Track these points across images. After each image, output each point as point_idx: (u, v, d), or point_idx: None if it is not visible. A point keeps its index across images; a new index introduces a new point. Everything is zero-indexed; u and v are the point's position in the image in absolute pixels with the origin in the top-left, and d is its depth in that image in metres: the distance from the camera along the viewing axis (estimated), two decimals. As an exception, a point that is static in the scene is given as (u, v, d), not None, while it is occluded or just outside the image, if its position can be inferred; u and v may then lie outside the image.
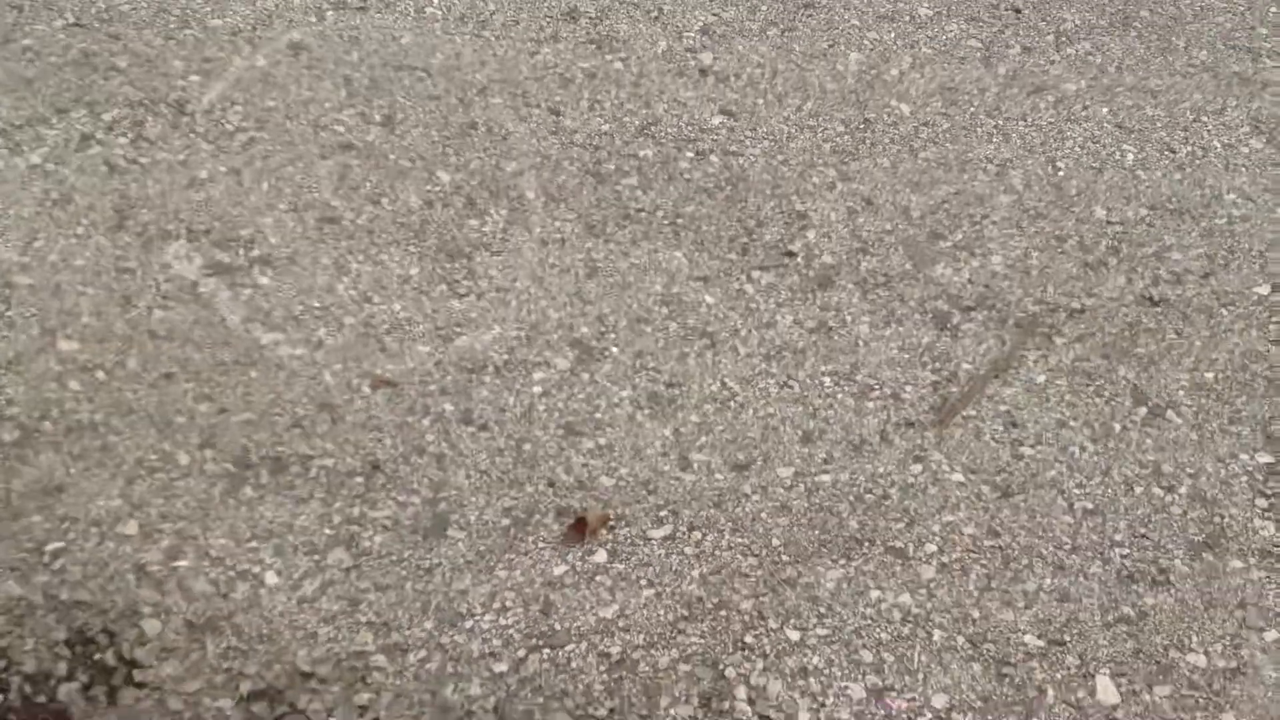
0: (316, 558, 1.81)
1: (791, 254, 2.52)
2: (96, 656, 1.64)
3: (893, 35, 3.17)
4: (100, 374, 2.08)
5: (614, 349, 2.25)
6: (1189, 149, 2.87)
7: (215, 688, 1.62)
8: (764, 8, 3.23)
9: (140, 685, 1.61)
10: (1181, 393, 2.26)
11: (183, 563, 1.77)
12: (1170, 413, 2.22)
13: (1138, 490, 2.06)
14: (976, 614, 1.82)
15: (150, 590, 1.73)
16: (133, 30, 2.90)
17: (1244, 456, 2.15)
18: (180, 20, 2.94)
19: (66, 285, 2.25)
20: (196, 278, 2.31)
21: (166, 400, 2.04)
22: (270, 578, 1.77)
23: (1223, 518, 2.02)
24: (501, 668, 1.68)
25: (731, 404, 2.16)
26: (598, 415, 2.11)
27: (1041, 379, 2.27)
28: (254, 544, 1.82)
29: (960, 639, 1.78)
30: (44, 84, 2.73)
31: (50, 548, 1.78)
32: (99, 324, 2.18)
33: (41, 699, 1.59)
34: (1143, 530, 1.98)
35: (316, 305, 2.27)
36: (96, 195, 2.49)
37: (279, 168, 2.60)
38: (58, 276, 2.27)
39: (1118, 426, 2.18)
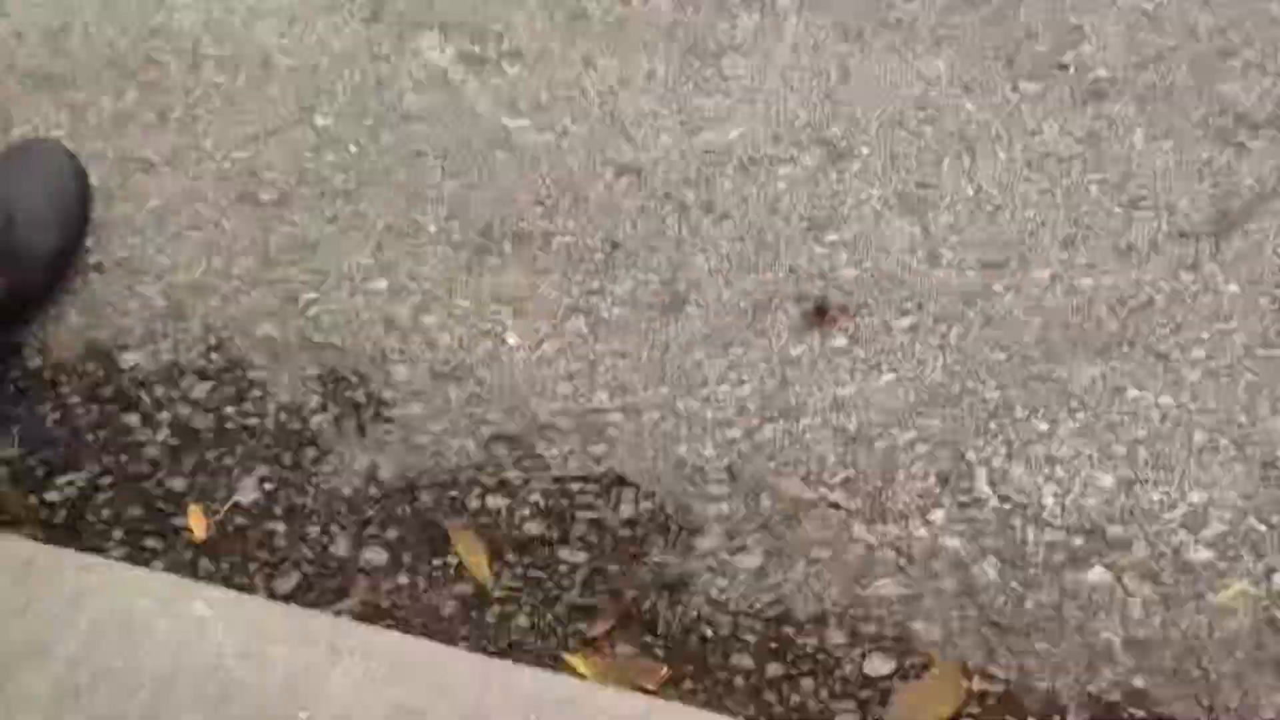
0: (555, 323, 1.91)
1: (1063, 66, 2.48)
2: (347, 393, 1.78)
3: None
4: (353, 147, 2.21)
5: (864, 149, 2.27)
6: None
7: (459, 430, 1.74)
8: None
9: (388, 420, 1.75)
10: None
11: (429, 318, 1.90)
12: None
13: None
14: (1244, 419, 1.80)
15: (398, 340, 1.86)
16: None
17: None
18: None
19: (323, 68, 2.39)
20: (447, 66, 2.42)
21: (415, 175, 2.16)
22: (511, 338, 1.88)
23: None
24: (735, 434, 1.76)
25: (987, 206, 2.16)
26: (843, 211, 2.14)
27: (1335, 199, 2.19)
28: (496, 307, 1.93)
29: (1224, 441, 1.77)
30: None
31: (305, 297, 1.93)
32: (354, 103, 2.31)
33: (295, 426, 1.74)
34: None
35: (563, 95, 2.36)
36: (352, -12, 2.62)
37: (530, -34, 2.69)
38: (315, 59, 2.41)
39: None
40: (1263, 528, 1.65)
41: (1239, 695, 1.48)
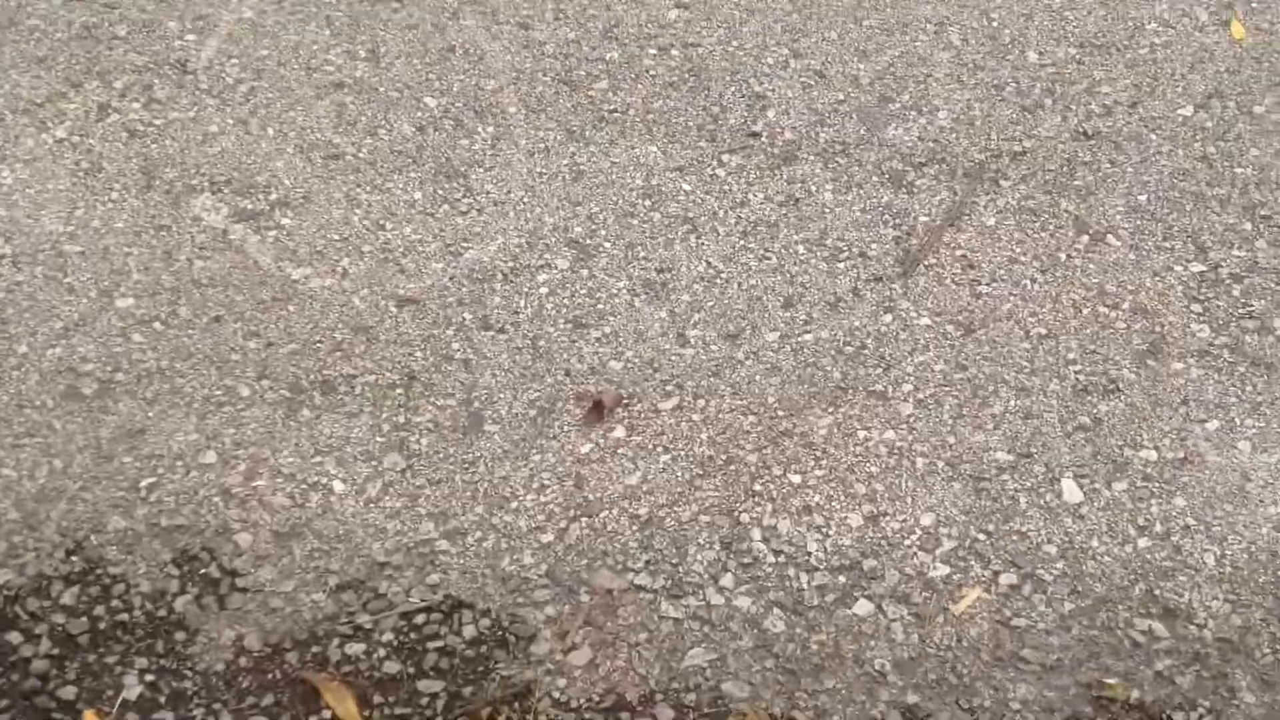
0: (374, 464, 1.97)
1: (756, 134, 2.63)
2: (202, 571, 1.81)
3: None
4: (158, 325, 2.22)
5: (606, 244, 2.38)
6: (1109, -12, 2.96)
7: (308, 584, 1.79)
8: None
9: (244, 590, 1.78)
10: (1119, 217, 2.40)
11: (260, 482, 1.93)
12: (1110, 237, 2.36)
13: (1085, 311, 2.20)
14: (953, 440, 1.98)
15: (237, 509, 1.90)
16: (126, -1, 2.97)
17: (1178, 268, 2.29)
18: (168, -16, 3.01)
19: (113, 248, 2.38)
20: (225, 226, 2.43)
21: (220, 341, 2.18)
22: (337, 485, 1.93)
23: (1163, 326, 2.17)
24: (548, 538, 1.85)
25: (718, 281, 2.30)
26: (600, 306, 2.25)
27: (992, 221, 2.40)
28: (318, 458, 1.97)
29: (940, 463, 1.95)
30: (55, 60, 2.82)
31: (144, 483, 1.94)
32: (148, 279, 2.31)
33: (162, 614, 1.76)
34: (1092, 346, 2.13)
35: (336, 238, 2.40)
36: (122, 160, 2.60)
37: (281, 113, 2.71)
38: (103, 240, 2.39)
39: (1063, 256, 2.32)
40: (983, 536, 1.83)
41: (990, 692, 1.66)
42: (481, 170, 2.55)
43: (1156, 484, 1.91)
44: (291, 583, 1.79)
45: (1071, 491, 1.89)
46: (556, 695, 1.65)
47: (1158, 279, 2.27)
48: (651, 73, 2.78)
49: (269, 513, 1.89)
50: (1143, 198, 2.44)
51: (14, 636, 1.73)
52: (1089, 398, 2.05)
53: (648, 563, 1.81)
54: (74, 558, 1.83)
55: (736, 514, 1.88)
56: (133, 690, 1.66)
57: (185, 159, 2.59)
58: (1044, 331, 2.17)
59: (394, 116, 2.68)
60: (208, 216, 2.46)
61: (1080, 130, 2.61)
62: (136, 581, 1.80)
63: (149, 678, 1.67)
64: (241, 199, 2.49)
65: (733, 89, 2.74)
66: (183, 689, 1.66)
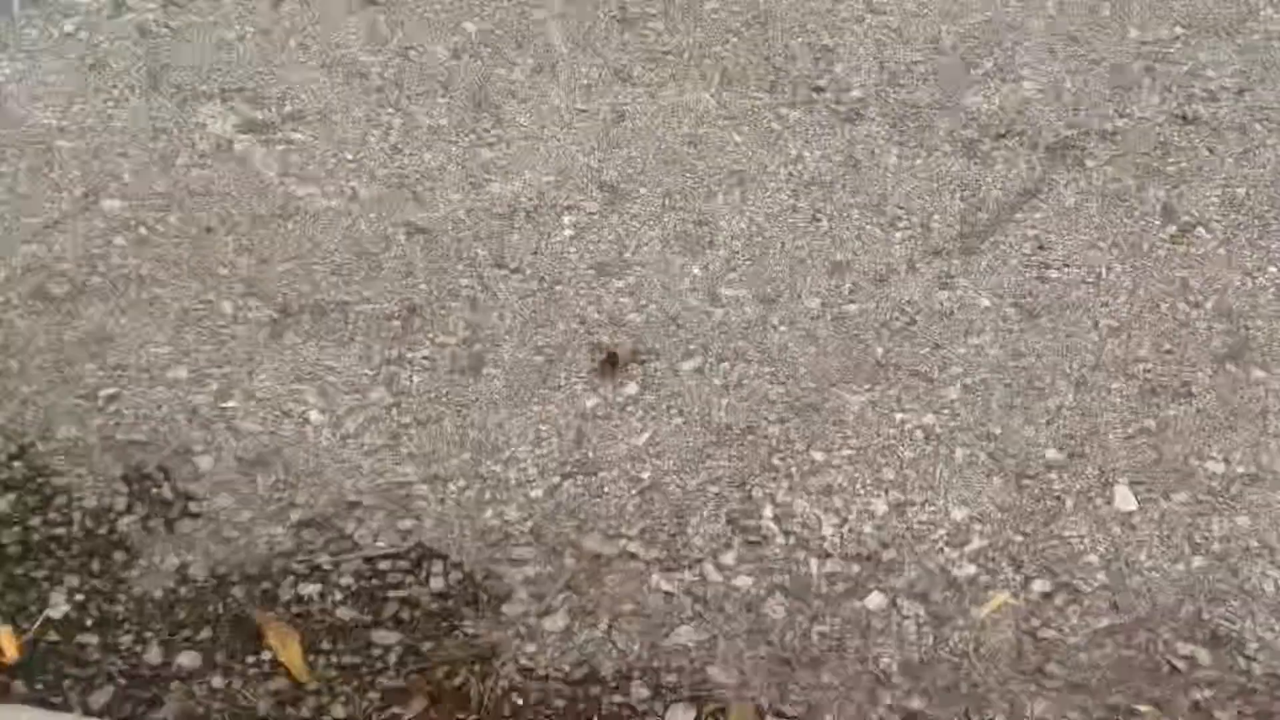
0: (358, 397, 1.89)
1: (820, 89, 2.54)
2: (153, 491, 1.74)
3: None
4: (143, 230, 2.16)
5: (643, 189, 2.29)
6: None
7: (267, 517, 1.72)
8: None
9: (196, 516, 1.71)
10: (1213, 209, 2.28)
11: (231, 404, 1.86)
12: (1200, 229, 2.24)
13: (1163, 306, 2.09)
14: (998, 431, 1.87)
15: (201, 430, 1.83)
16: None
17: (1272, 269, 2.17)
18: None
19: (106, 147, 2.32)
20: (231, 136, 2.37)
21: (208, 253, 2.12)
22: (314, 416, 1.86)
23: (1247, 330, 2.05)
24: (537, 493, 1.77)
25: (759, 239, 2.20)
26: (627, 255, 2.16)
27: (1071, 202, 2.29)
28: (298, 385, 1.90)
29: (982, 455, 1.84)
30: (73, -49, 2.77)
31: (104, 393, 1.88)
32: (140, 183, 2.25)
33: (102, 531, 1.69)
34: (1168, 346, 2.02)
35: (349, 158, 2.33)
36: (130, 59, 2.55)
37: (306, 25, 2.65)
38: (97, 139, 2.34)
39: (1146, 245, 2.21)
40: (1020, 538, 1.73)
41: (1005, 705, 1.55)
42: (515, 103, 2.48)
43: (1221, 499, 1.79)
44: (249, 513, 1.72)
45: (1125, 499, 1.78)
46: (524, 661, 1.56)
47: (1248, 279, 2.14)
48: (713, 15, 2.70)
49: (236, 437, 1.82)
50: (1241, 190, 2.32)
51: (-60, 540, 1.67)
52: (1157, 400, 1.93)
53: (643, 530, 1.72)
54: (16, 463, 1.77)
55: (749, 487, 1.78)
56: (58, 609, 1.59)
57: (198, 64, 2.54)
58: (1115, 324, 2.06)
59: (429, 38, 2.62)
60: (213, 124, 2.40)
61: (1179, 114, 2.49)
62: (81, 495, 1.73)
63: (78, 597, 1.61)
64: (252, 109, 2.43)
65: (800, 39, 2.65)
66: (113, 613, 1.59)
